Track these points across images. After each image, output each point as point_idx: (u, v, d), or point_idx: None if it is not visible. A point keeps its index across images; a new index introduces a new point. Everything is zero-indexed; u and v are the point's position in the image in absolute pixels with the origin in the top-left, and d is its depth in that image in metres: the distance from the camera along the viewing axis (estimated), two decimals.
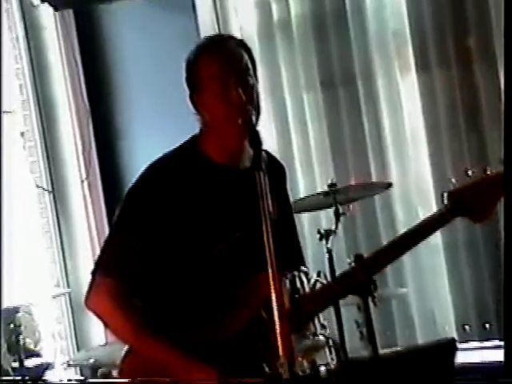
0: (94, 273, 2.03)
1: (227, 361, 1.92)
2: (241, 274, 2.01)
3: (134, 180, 2.09)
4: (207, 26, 4.69)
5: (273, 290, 1.56)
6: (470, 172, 2.12)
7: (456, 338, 4.24)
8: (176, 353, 1.96)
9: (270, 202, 1.63)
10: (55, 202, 4.98)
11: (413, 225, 2.10)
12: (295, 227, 2.39)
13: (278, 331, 1.54)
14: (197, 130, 2.11)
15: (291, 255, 2.20)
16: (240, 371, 1.91)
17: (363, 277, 2.02)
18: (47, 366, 4.28)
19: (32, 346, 4.15)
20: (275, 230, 1.60)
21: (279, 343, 1.54)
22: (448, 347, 2.52)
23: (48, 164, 4.96)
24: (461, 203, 2.01)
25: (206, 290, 2.03)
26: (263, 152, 1.78)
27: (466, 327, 4.50)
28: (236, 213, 2.05)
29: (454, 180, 2.15)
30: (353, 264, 2.08)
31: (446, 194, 2.05)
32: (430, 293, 4.62)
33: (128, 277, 1.99)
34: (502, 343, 3.86)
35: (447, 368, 2.28)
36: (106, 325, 2.13)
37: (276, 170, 2.20)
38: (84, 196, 5.01)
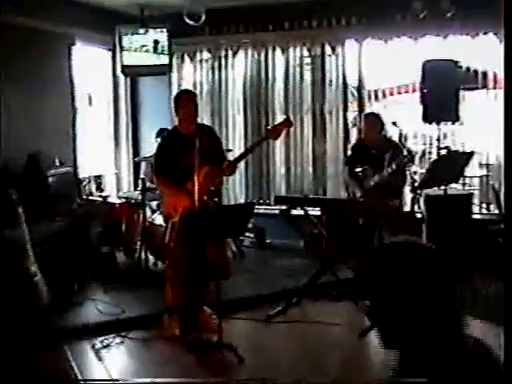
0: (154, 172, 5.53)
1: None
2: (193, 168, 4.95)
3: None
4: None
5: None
6: None
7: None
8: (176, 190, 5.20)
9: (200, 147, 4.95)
10: None
11: None
12: (223, 154, 5.51)
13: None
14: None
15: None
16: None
17: None
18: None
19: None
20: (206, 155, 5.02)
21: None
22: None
23: None
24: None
25: (183, 172, 5.06)
26: (202, 126, 5.48)
27: None
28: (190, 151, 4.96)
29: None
30: None
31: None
32: None
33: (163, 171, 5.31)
34: None
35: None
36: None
37: (210, 130, 5.55)
38: None
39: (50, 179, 6.64)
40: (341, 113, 8.28)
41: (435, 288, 1.68)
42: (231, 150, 8.31)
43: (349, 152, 6.99)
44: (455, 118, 6.92)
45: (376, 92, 8.39)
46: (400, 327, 1.74)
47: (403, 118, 7.91)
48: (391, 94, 8.96)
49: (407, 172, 5.94)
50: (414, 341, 1.71)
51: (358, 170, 6.07)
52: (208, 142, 5.09)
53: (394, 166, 5.57)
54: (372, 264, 1.77)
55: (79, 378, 4.48)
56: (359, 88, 8.21)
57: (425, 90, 6.78)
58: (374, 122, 6.15)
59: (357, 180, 6.13)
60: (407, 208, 6.98)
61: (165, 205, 5.51)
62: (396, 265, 1.71)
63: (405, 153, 5.65)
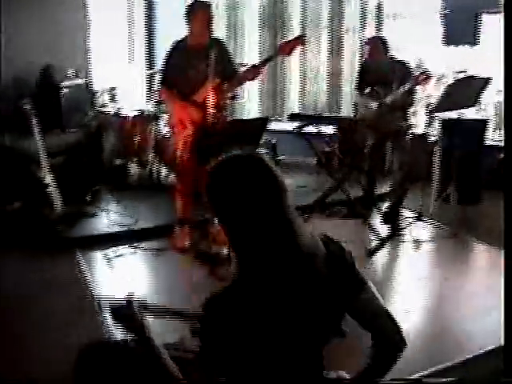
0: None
1: None
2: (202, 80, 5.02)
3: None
4: None
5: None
6: None
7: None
8: (181, 102, 5.08)
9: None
10: None
11: None
12: (234, 68, 5.24)
13: None
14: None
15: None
16: None
17: None
18: None
19: None
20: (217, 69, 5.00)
21: None
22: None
23: None
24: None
25: (192, 84, 5.06)
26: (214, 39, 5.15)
27: None
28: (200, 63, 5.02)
29: None
30: None
31: None
32: None
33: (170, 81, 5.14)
34: None
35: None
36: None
37: (221, 44, 5.21)
38: None
39: (64, 91, 6.63)
40: (358, 31, 8.15)
41: (269, 192, 1.86)
42: (246, 65, 8.24)
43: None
44: (474, 42, 6.80)
45: (394, 13, 8.18)
46: (244, 229, 1.87)
47: (422, 39, 7.76)
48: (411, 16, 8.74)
49: (417, 93, 5.91)
50: (258, 242, 1.86)
51: (367, 91, 6.02)
52: (219, 56, 5.01)
53: (407, 86, 5.51)
54: (213, 177, 1.94)
55: (91, 281, 4.59)
56: (378, 7, 8.04)
57: (446, 11, 6.65)
58: (377, 45, 6.07)
59: (366, 100, 6.09)
60: (420, 130, 6.96)
61: (171, 117, 5.39)
62: (231, 175, 1.89)
63: (417, 73, 5.59)
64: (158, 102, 6.79)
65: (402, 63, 5.92)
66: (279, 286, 1.84)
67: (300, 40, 5.06)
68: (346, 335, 2.06)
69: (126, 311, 2.14)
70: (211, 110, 4.92)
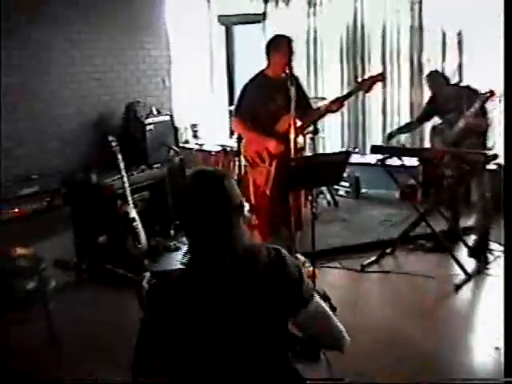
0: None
1: None
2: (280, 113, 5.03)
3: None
4: None
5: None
6: None
7: None
8: (259, 134, 5.07)
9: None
10: None
11: None
12: (310, 104, 5.34)
13: None
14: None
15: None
16: None
17: None
18: None
19: None
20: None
21: None
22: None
23: None
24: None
25: (269, 117, 5.07)
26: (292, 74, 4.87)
27: None
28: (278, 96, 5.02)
29: None
30: None
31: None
32: None
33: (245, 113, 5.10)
34: None
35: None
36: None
37: (297, 79, 5.05)
38: None
39: (148, 128, 6.78)
40: (439, 61, 8.05)
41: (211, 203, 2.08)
42: (325, 99, 8.27)
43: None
44: None
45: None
46: (189, 232, 2.13)
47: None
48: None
49: (491, 114, 5.78)
50: (199, 244, 2.11)
51: (438, 123, 6.00)
52: (296, 90, 5.01)
53: (476, 105, 5.40)
54: (179, 191, 2.26)
55: None
56: (459, 35, 7.93)
57: None
58: (436, 79, 6.01)
59: (437, 133, 6.04)
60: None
61: (246, 150, 5.32)
62: (186, 186, 2.16)
63: (482, 91, 5.47)
64: (240, 138, 6.85)
65: (467, 87, 5.84)
66: (214, 285, 2.04)
67: (380, 77, 5.06)
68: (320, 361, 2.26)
69: None
70: (291, 143, 4.90)
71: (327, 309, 2.20)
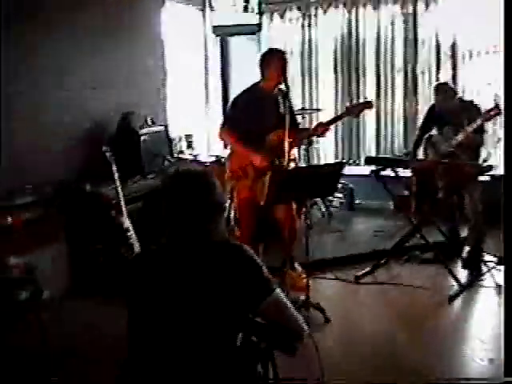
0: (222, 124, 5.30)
1: None
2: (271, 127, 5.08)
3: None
4: None
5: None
6: None
7: None
8: (245, 148, 5.08)
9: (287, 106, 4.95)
10: None
11: None
12: (296, 119, 5.43)
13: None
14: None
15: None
16: None
17: None
18: None
19: None
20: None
21: None
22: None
23: None
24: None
25: (258, 130, 5.07)
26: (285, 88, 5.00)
27: None
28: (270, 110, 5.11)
29: None
30: None
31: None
32: None
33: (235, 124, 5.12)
34: None
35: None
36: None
37: (287, 94, 5.01)
38: None
39: (143, 138, 6.76)
40: (433, 73, 8.09)
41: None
42: (320, 110, 8.29)
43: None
44: None
45: (470, 51, 8.06)
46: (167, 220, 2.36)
47: (498, 78, 7.62)
48: (487, 53, 8.61)
49: (486, 132, 5.84)
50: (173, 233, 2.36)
51: (435, 133, 6.04)
52: (286, 104, 5.01)
53: (478, 122, 5.43)
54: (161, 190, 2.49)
55: None
56: (453, 47, 7.97)
57: None
58: (444, 92, 6.03)
59: (432, 144, 6.06)
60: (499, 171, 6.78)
61: (231, 162, 5.36)
62: (166, 182, 2.46)
63: (484, 110, 5.51)
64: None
65: (470, 102, 5.87)
66: (181, 268, 2.28)
67: (368, 105, 5.15)
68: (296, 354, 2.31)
69: None
70: (283, 155, 4.88)
71: (287, 301, 2.35)
